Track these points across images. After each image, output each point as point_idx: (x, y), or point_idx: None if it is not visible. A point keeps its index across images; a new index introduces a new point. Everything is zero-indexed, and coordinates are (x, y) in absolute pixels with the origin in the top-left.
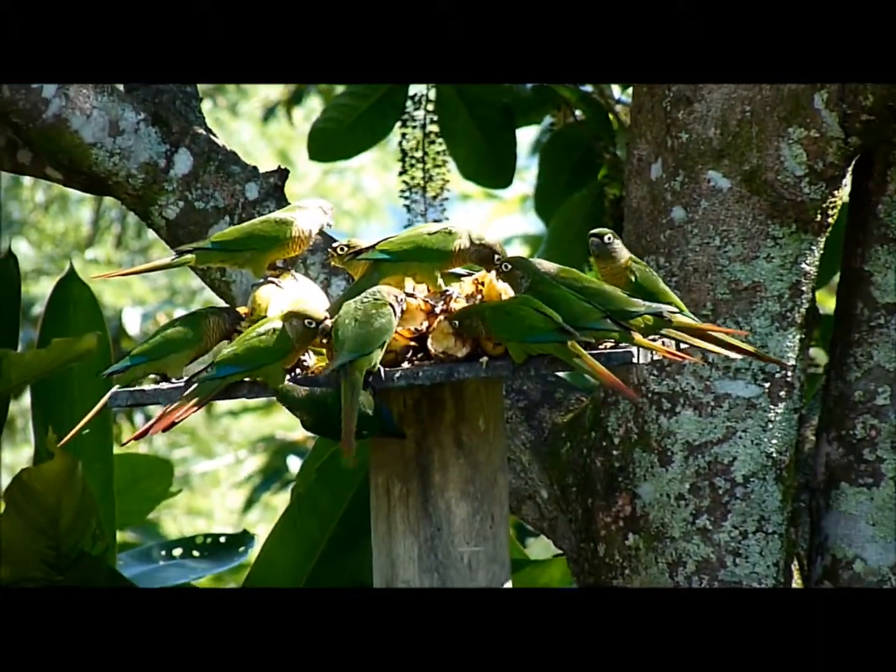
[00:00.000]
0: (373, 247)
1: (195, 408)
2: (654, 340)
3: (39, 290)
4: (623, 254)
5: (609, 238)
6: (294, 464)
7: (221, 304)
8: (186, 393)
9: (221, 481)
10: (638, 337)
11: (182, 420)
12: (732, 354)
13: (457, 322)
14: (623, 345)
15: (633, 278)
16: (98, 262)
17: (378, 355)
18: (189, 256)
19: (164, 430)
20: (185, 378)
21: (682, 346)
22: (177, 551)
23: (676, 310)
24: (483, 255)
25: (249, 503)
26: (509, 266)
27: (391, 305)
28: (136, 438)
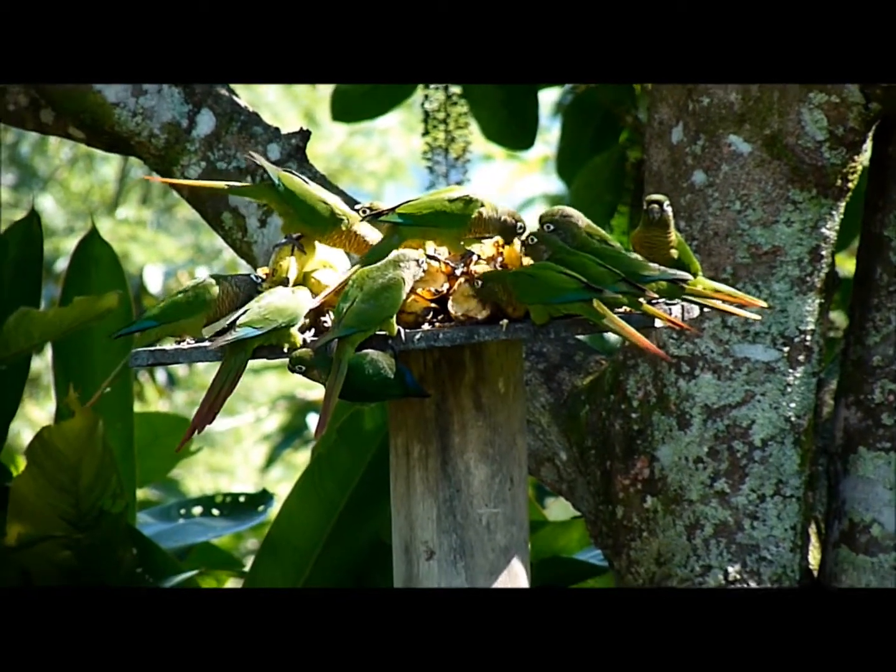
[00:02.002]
0: (393, 209)
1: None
2: (671, 307)
3: (65, 248)
4: (672, 225)
5: (667, 205)
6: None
7: (244, 264)
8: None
9: (243, 439)
10: (645, 304)
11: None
12: (753, 316)
13: (480, 283)
14: None
15: (675, 255)
16: (129, 220)
17: (390, 326)
18: (248, 186)
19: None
20: (207, 338)
21: (689, 315)
22: (196, 510)
23: (691, 276)
24: (507, 227)
25: (270, 461)
26: (535, 240)
27: (403, 278)
28: (188, 439)
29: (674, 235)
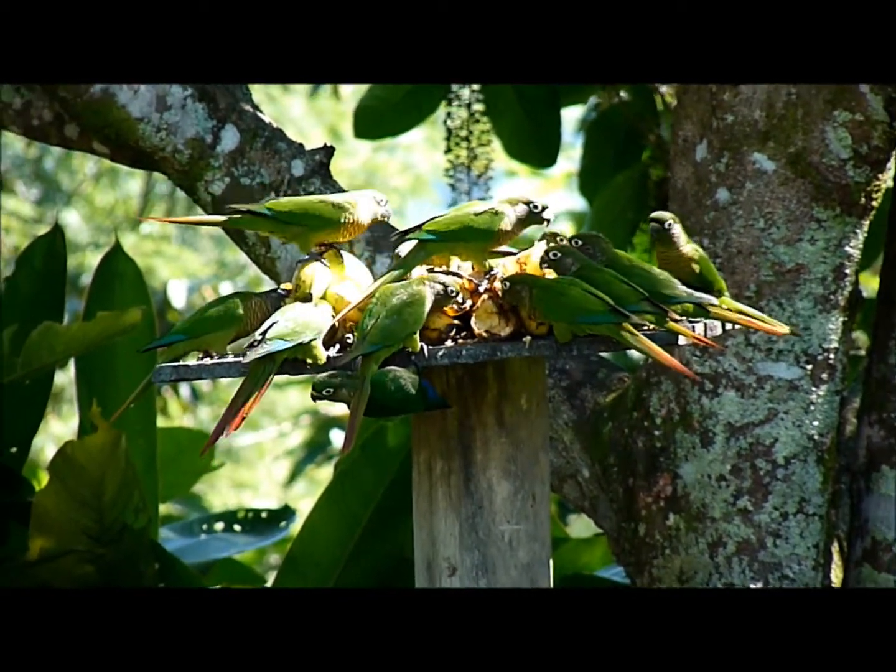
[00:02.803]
0: (419, 226)
1: (255, 397)
2: (694, 324)
3: (89, 263)
4: (683, 240)
5: (669, 223)
6: (337, 438)
7: (267, 279)
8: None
9: (266, 454)
10: (669, 322)
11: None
12: (781, 330)
13: (507, 284)
14: None
15: (696, 269)
16: (153, 236)
17: (414, 342)
18: (240, 217)
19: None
20: (232, 355)
21: (712, 333)
22: (218, 525)
23: (716, 301)
24: (527, 219)
25: (293, 477)
26: (558, 255)
27: (426, 294)
28: (212, 443)
29: (689, 250)
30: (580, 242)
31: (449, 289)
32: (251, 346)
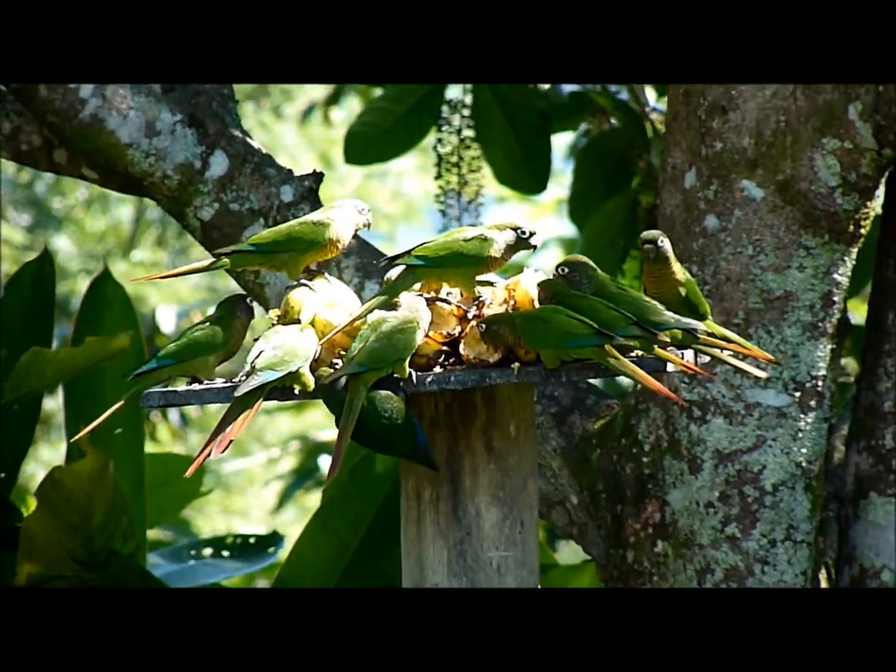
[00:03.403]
0: (409, 252)
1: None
2: (683, 351)
3: (79, 288)
4: (673, 259)
5: (662, 240)
6: (326, 464)
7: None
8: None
9: (255, 480)
10: (656, 348)
11: (237, 433)
12: (760, 374)
13: (483, 326)
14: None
15: (682, 292)
16: (144, 263)
17: (402, 368)
18: (225, 260)
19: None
20: (221, 380)
21: (701, 359)
22: (207, 551)
23: (705, 329)
24: (515, 244)
25: (281, 503)
26: (565, 270)
27: (419, 322)
28: (197, 465)
29: (678, 270)
30: (566, 270)
31: (520, 231)
32: (242, 375)
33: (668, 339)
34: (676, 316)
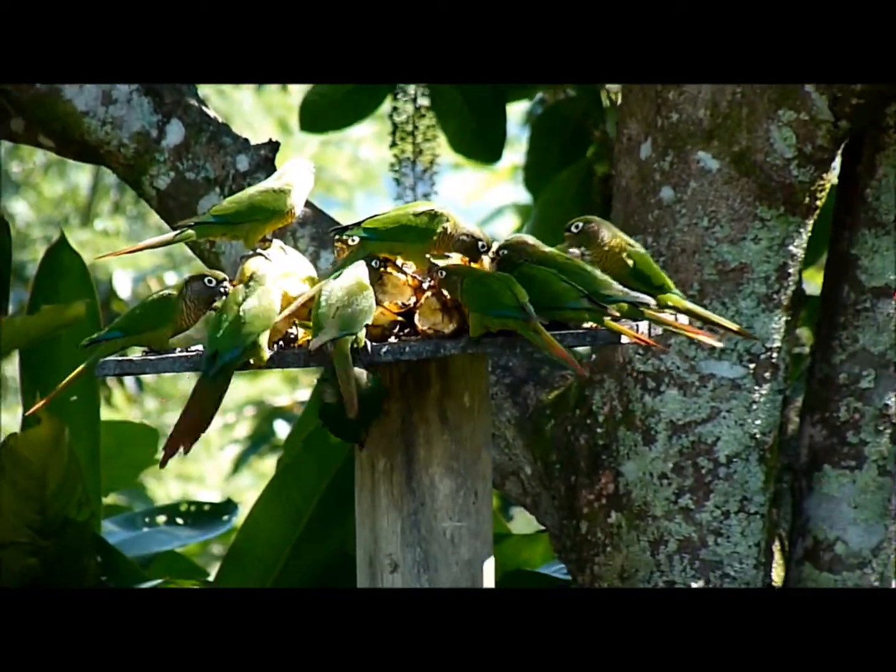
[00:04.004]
0: (359, 224)
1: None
2: (637, 323)
3: (37, 254)
4: (607, 236)
5: (577, 225)
6: (281, 428)
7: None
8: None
9: (211, 445)
10: (608, 321)
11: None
12: (715, 343)
13: (444, 273)
14: None
15: (630, 263)
16: (107, 232)
17: (359, 338)
18: (190, 231)
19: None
20: (177, 349)
21: (656, 331)
22: (161, 518)
23: (653, 302)
24: (469, 246)
25: (236, 468)
26: (506, 251)
27: (370, 286)
28: (165, 461)
29: (617, 245)
30: (506, 252)
31: (480, 243)
32: (204, 364)
33: (618, 314)
34: (625, 289)
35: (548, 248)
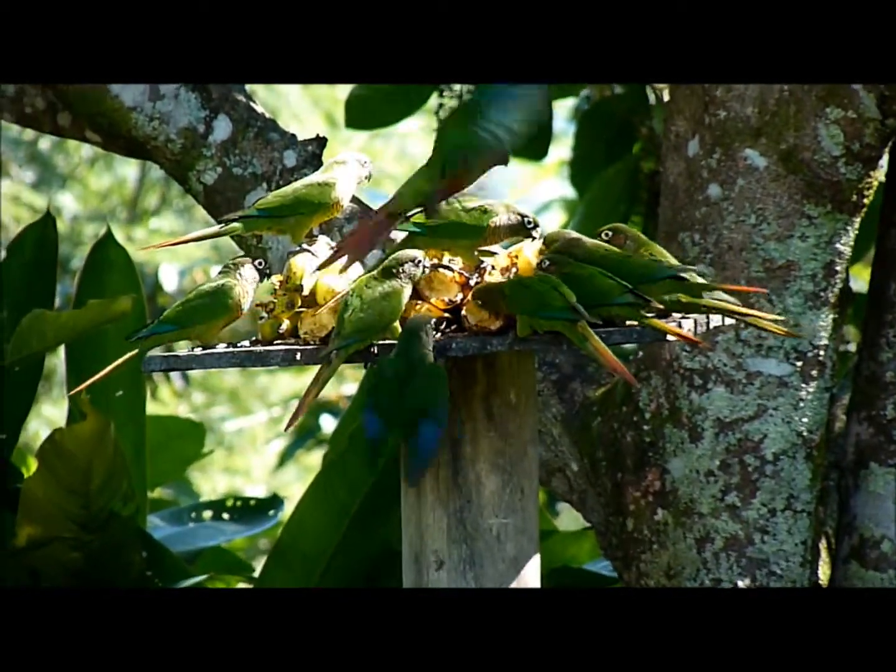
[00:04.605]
0: (408, 217)
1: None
2: (682, 321)
3: (84, 246)
4: (632, 248)
5: (608, 234)
6: (327, 422)
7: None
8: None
9: (258, 439)
10: (653, 320)
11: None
12: (776, 329)
13: (479, 301)
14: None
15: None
16: (162, 231)
17: (395, 331)
18: (236, 225)
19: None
20: (222, 345)
21: (701, 329)
22: (207, 513)
23: (707, 273)
24: (517, 228)
25: (281, 462)
26: (547, 262)
27: (402, 285)
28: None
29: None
30: (547, 264)
31: (526, 220)
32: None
33: (661, 307)
34: (679, 264)
35: (589, 241)
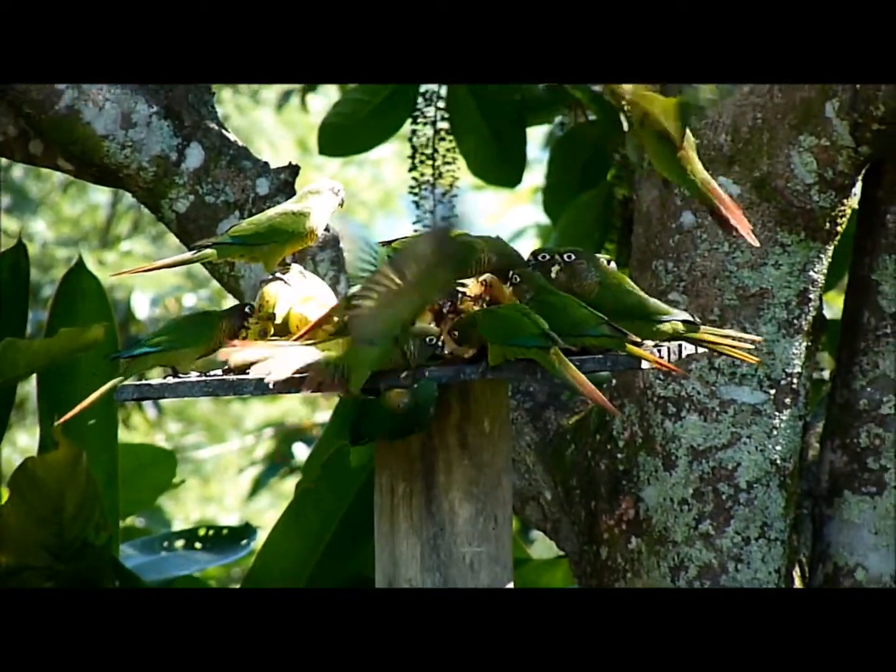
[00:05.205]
0: (389, 243)
1: None
2: (657, 348)
3: (56, 274)
4: (586, 277)
5: (570, 256)
6: (300, 450)
7: (231, 297)
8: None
9: (230, 467)
10: (628, 345)
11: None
12: (752, 359)
13: (456, 333)
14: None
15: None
16: (129, 252)
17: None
18: (209, 251)
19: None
20: (195, 374)
21: (675, 356)
22: (179, 542)
23: (689, 317)
24: (500, 270)
25: (254, 490)
26: (518, 279)
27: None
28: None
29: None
30: (573, 257)
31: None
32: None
33: (638, 339)
34: (666, 307)
35: (604, 265)
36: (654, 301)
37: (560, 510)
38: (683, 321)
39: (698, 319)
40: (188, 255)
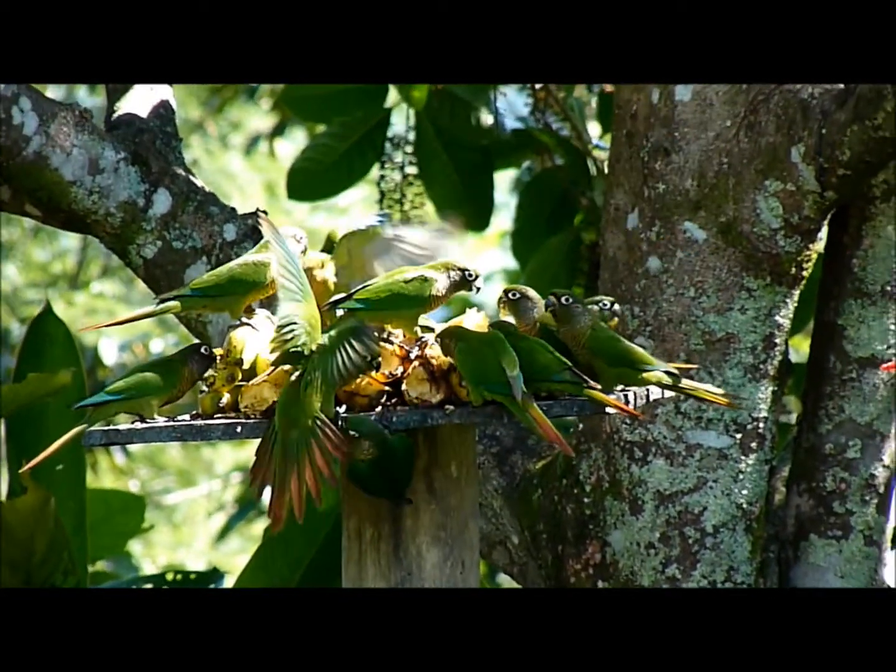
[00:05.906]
0: (350, 295)
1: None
2: (622, 394)
3: (25, 319)
4: (580, 321)
5: (515, 294)
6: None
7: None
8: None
9: (199, 512)
10: (594, 392)
11: None
12: (727, 402)
13: (439, 338)
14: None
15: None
16: (99, 294)
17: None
18: (173, 304)
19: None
20: (162, 419)
21: (640, 401)
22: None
23: (677, 372)
24: (460, 284)
25: (223, 534)
26: (517, 295)
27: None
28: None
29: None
30: (570, 300)
31: (467, 273)
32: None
33: (598, 386)
34: (656, 361)
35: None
36: (640, 350)
37: (527, 554)
38: (667, 372)
39: (674, 370)
40: (152, 307)
